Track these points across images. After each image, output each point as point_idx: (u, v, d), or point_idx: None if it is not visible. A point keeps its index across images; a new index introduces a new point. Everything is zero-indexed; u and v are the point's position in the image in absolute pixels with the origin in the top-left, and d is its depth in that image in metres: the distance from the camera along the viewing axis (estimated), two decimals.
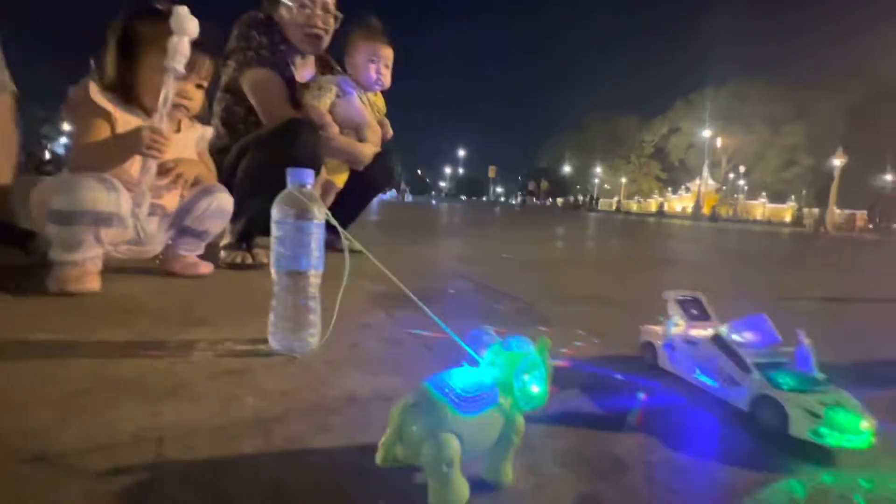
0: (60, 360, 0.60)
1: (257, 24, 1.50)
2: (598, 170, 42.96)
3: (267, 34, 1.50)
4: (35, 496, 0.35)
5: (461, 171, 62.07)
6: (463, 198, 47.59)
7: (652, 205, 37.63)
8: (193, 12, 0.92)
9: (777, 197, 34.97)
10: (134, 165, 0.99)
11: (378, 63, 1.55)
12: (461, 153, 57.69)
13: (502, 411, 0.38)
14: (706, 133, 27.80)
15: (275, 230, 0.68)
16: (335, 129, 1.47)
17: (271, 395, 0.54)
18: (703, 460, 0.48)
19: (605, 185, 45.40)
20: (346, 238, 0.62)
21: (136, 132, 0.91)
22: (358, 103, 1.52)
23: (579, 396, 0.61)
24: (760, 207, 33.97)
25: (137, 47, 1.02)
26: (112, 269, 1.10)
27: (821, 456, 0.49)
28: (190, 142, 1.18)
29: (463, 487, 0.36)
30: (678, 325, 0.70)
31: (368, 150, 1.60)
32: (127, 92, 1.03)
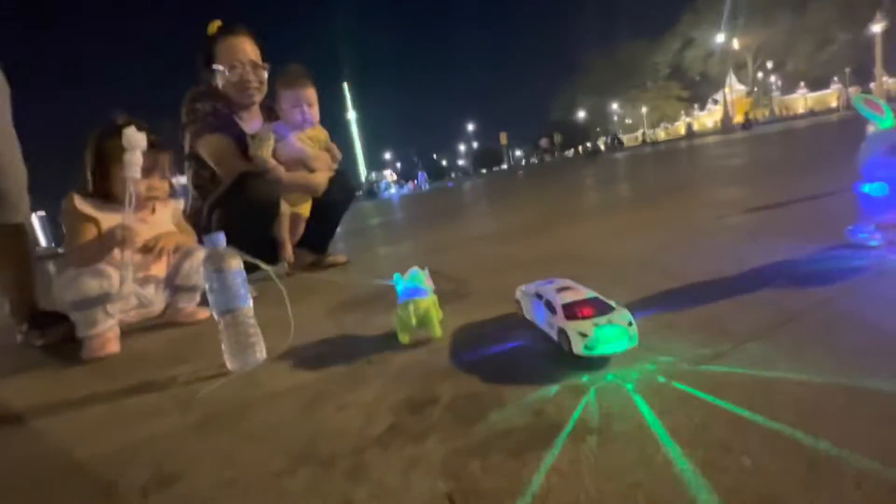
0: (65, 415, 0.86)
1: (199, 96, 1.74)
2: (615, 106, 41.02)
3: (210, 102, 1.74)
4: None
5: (475, 145, 61.36)
6: (483, 171, 47.11)
7: (680, 128, 35.58)
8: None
9: (818, 83, 32.00)
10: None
11: (301, 105, 1.73)
12: (471, 127, 56.98)
13: (431, 295, 0.88)
14: (720, 38, 25.75)
15: (205, 284, 0.90)
16: (281, 169, 1.68)
17: (209, 405, 0.77)
18: (506, 386, 0.65)
19: (627, 120, 43.32)
20: (264, 268, 0.84)
21: (112, 232, 1.19)
22: (296, 142, 1.73)
23: (443, 349, 0.79)
24: (801, 100, 31.24)
25: (108, 160, 1.28)
26: (132, 330, 1.38)
27: (601, 364, 0.66)
28: (166, 217, 1.44)
29: (438, 326, 0.87)
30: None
31: (320, 177, 1.81)
32: (104, 196, 1.29)
